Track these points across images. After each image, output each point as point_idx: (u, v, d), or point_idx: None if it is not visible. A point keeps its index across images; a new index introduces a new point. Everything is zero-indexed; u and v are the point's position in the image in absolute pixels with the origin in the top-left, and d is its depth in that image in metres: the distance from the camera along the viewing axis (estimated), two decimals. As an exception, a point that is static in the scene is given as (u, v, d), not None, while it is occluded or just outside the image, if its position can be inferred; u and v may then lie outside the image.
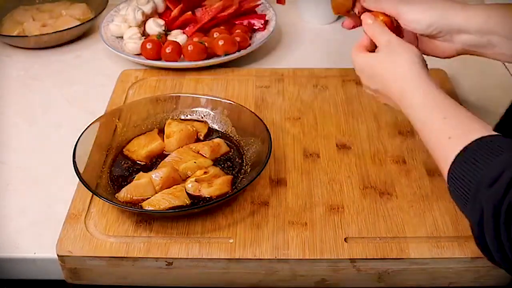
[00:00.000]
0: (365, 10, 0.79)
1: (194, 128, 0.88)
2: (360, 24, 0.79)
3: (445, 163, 0.60)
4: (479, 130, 0.59)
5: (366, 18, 0.77)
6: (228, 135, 0.89)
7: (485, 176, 0.54)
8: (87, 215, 0.77)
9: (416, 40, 0.80)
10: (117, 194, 0.77)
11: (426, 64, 0.71)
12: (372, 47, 0.76)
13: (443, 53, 0.79)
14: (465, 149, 0.58)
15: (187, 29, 1.14)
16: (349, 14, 0.81)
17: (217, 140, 0.86)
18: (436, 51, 0.79)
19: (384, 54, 0.73)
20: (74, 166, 0.76)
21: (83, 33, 1.20)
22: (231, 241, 0.73)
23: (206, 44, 1.06)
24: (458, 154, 0.58)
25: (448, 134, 0.61)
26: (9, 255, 0.75)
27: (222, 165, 0.83)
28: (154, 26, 1.12)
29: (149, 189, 0.77)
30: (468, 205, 0.56)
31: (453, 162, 0.59)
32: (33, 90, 1.05)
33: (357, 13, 0.80)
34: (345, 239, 0.73)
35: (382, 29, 0.75)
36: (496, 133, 0.59)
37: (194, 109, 0.92)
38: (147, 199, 0.76)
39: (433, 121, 0.65)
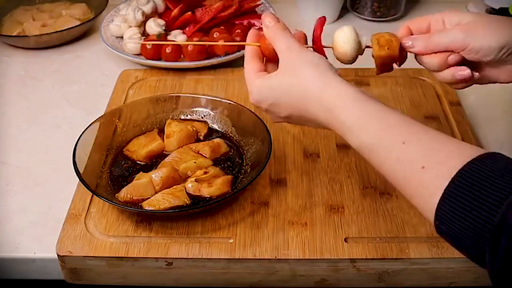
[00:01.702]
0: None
1: (194, 128, 0.88)
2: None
3: (423, 198, 0.51)
4: (456, 151, 0.51)
5: (265, 18, 0.66)
6: (228, 135, 0.89)
7: (506, 218, 0.45)
8: (87, 215, 0.77)
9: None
10: (117, 194, 0.77)
11: (337, 69, 0.62)
12: (267, 67, 0.68)
13: (510, 76, 0.68)
14: (455, 180, 0.48)
15: (187, 29, 1.14)
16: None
17: (217, 140, 0.86)
18: (501, 76, 0.68)
19: (283, 69, 0.62)
20: (74, 166, 0.76)
21: (83, 33, 1.20)
22: (231, 241, 0.73)
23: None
24: (448, 188, 0.48)
25: (419, 163, 0.51)
26: (9, 255, 0.75)
27: (222, 165, 0.83)
28: (154, 26, 1.12)
29: (149, 189, 0.77)
30: (486, 250, 0.46)
31: (443, 198, 0.49)
32: (33, 90, 1.05)
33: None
34: (345, 239, 0.73)
35: (283, 33, 0.65)
36: (475, 150, 0.50)
37: (194, 109, 0.92)
38: (147, 199, 0.76)
39: (386, 148, 0.54)
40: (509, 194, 0.45)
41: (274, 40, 0.65)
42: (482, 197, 0.46)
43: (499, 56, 0.65)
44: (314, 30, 0.70)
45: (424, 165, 0.51)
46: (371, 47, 0.69)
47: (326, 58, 0.66)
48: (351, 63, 0.70)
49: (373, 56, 0.69)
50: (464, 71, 0.66)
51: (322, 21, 0.70)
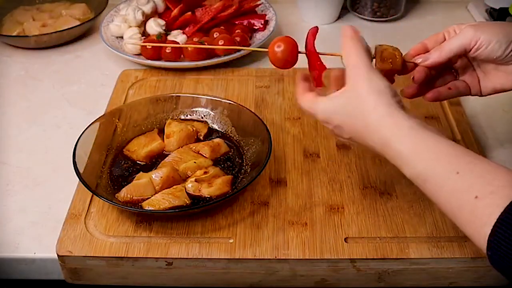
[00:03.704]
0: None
1: (194, 128, 0.88)
2: (421, 94, 0.74)
3: (475, 227, 0.51)
4: (507, 183, 0.51)
5: (345, 29, 0.66)
6: (228, 135, 0.89)
7: None
8: (87, 215, 0.77)
9: (478, 84, 0.74)
10: (117, 194, 0.77)
11: (401, 99, 0.62)
12: (318, 87, 0.69)
13: None
14: (508, 209, 0.49)
15: (187, 29, 1.14)
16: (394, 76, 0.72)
17: (217, 140, 0.86)
18: (507, 82, 0.71)
19: (349, 89, 0.63)
20: (74, 166, 0.76)
21: (83, 33, 1.20)
22: (231, 241, 0.73)
23: (206, 44, 1.06)
24: (501, 217, 0.49)
25: (472, 192, 0.52)
26: (9, 255, 0.75)
27: (222, 165, 0.83)
28: (155, 26, 1.12)
29: (149, 189, 0.77)
30: None
31: (495, 227, 0.49)
32: (33, 90, 1.05)
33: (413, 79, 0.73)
34: (345, 239, 0.73)
35: (358, 49, 0.64)
36: None
37: (194, 109, 0.92)
38: (147, 199, 0.76)
39: (441, 177, 0.55)
40: None
41: (346, 51, 0.65)
42: None
43: (508, 52, 0.68)
44: (307, 37, 0.70)
45: (478, 195, 0.51)
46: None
47: (324, 66, 0.68)
48: None
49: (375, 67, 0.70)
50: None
51: (314, 29, 0.71)
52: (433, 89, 0.75)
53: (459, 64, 0.74)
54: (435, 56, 0.70)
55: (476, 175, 0.53)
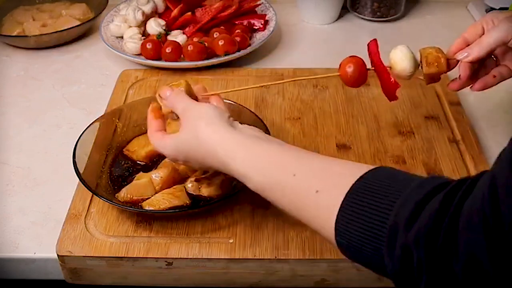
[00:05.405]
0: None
1: (194, 128, 0.88)
2: (466, 86, 0.77)
3: (323, 219, 0.52)
4: (345, 170, 0.54)
5: (163, 91, 0.71)
6: (228, 135, 0.88)
7: (398, 217, 0.46)
8: (87, 215, 0.77)
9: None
10: (117, 194, 0.77)
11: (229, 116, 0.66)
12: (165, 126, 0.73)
13: None
14: (348, 195, 0.51)
15: (187, 29, 1.14)
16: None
17: (217, 140, 0.86)
18: None
19: (184, 129, 0.66)
20: (74, 166, 0.76)
21: (83, 33, 1.20)
22: (231, 241, 0.73)
23: (206, 44, 1.06)
24: (343, 203, 0.51)
25: (312, 189, 0.54)
26: (9, 255, 0.75)
27: (222, 165, 0.83)
28: (155, 26, 1.12)
29: (149, 189, 0.77)
30: (384, 252, 0.48)
31: (339, 214, 0.51)
32: (33, 90, 1.05)
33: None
34: (345, 239, 0.73)
35: (180, 97, 0.69)
36: (360, 167, 0.53)
37: (194, 109, 0.91)
38: (147, 199, 0.76)
39: (278, 183, 0.56)
40: (398, 197, 0.48)
41: (173, 107, 0.69)
42: (374, 203, 0.49)
43: None
44: (371, 54, 0.74)
45: (318, 189, 0.53)
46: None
47: (398, 84, 0.73)
48: (409, 79, 0.75)
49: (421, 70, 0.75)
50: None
51: (375, 43, 0.75)
52: (477, 79, 0.77)
53: (499, 51, 0.77)
54: (475, 52, 0.73)
55: (313, 173, 0.56)
